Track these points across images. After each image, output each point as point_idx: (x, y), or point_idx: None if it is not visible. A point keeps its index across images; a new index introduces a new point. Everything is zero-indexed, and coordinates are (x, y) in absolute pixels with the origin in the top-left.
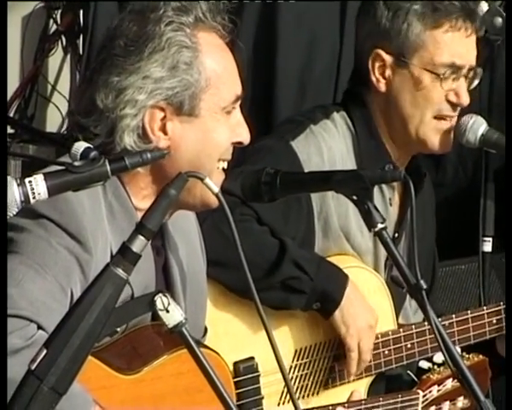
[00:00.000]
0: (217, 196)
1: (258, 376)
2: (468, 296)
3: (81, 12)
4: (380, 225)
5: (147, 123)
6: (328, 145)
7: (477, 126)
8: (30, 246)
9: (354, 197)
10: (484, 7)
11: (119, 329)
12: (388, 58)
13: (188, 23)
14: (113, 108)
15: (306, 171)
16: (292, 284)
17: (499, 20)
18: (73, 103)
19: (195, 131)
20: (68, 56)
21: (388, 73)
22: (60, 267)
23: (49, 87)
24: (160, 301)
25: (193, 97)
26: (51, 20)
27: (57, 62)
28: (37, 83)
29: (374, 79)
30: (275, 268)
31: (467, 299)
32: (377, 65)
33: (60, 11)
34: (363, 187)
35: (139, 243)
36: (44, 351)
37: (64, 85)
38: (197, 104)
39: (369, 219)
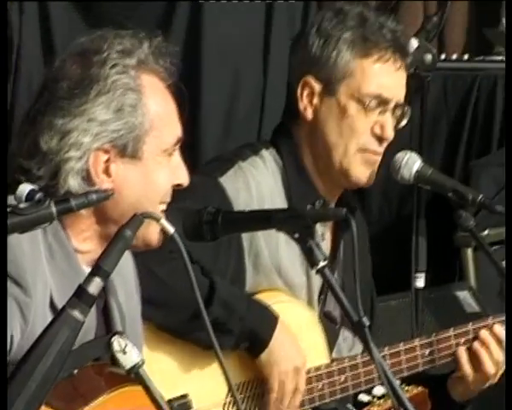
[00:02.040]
0: (172, 236)
1: None
2: (398, 333)
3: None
4: (322, 263)
5: (91, 165)
6: (256, 181)
7: (412, 163)
8: None
9: (296, 235)
10: (414, 44)
11: (75, 371)
12: (317, 86)
13: (131, 65)
14: (58, 151)
15: (235, 206)
16: (221, 325)
17: (429, 57)
18: (15, 145)
19: (138, 173)
20: None
21: (316, 101)
22: None
23: None
24: (117, 342)
25: (137, 140)
26: None
27: None
28: None
29: (301, 106)
30: (206, 307)
31: (397, 335)
32: (305, 93)
33: None
34: (305, 225)
35: (95, 285)
36: None
37: None
38: (140, 147)
39: (310, 257)
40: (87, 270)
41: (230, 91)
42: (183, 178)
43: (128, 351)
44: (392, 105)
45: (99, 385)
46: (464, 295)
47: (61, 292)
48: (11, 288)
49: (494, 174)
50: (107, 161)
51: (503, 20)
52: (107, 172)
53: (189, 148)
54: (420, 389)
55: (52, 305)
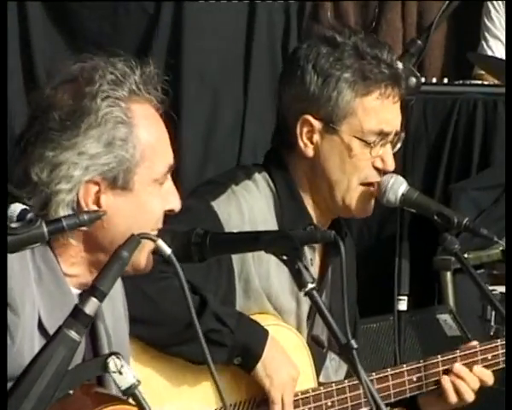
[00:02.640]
0: (169, 257)
1: None
2: (379, 355)
3: None
4: (310, 285)
5: (81, 197)
6: (249, 205)
7: (397, 186)
8: None
9: (284, 257)
10: (399, 67)
11: (71, 392)
12: (317, 124)
13: (122, 97)
14: (48, 183)
15: (227, 230)
16: (212, 336)
17: (413, 80)
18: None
19: (129, 204)
20: None
21: (316, 138)
22: None
23: None
24: (113, 363)
25: (127, 172)
26: None
27: None
28: None
29: (301, 143)
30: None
31: (378, 358)
32: (305, 130)
33: None
34: (293, 247)
35: (91, 306)
36: None
37: None
38: (131, 178)
39: (299, 279)
40: (76, 292)
41: (210, 113)
42: (175, 203)
43: (124, 372)
44: (391, 136)
45: (85, 404)
46: (445, 318)
47: (49, 313)
48: None
49: (473, 197)
50: (98, 192)
51: (483, 43)
52: (97, 203)
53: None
54: None
55: (40, 325)
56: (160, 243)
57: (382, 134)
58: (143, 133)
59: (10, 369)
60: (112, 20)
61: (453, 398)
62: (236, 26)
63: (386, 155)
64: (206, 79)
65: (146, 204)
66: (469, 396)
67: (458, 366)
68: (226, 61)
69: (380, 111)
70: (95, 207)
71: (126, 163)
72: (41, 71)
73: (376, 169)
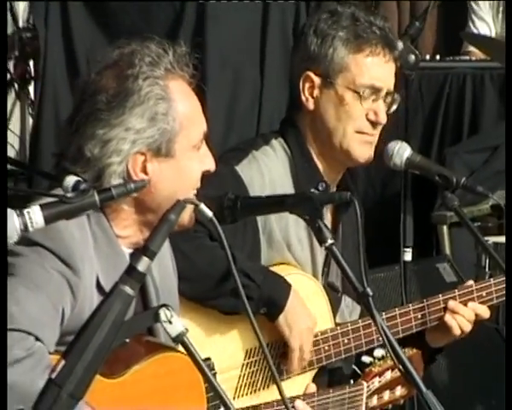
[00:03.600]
0: (211, 220)
1: (215, 374)
2: (387, 300)
3: (31, 62)
4: (329, 241)
5: (130, 167)
6: (268, 168)
7: (402, 151)
8: (26, 269)
9: (306, 217)
10: (400, 45)
11: (128, 340)
12: (317, 79)
13: (160, 76)
14: (101, 157)
15: (250, 190)
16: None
17: (412, 57)
18: (58, 151)
19: (172, 169)
20: (18, 101)
21: (316, 92)
22: (52, 288)
23: None
24: (164, 313)
25: (169, 141)
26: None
27: (8, 106)
28: None
29: (304, 98)
30: (226, 277)
31: (386, 303)
32: (307, 85)
33: (12, 62)
34: (314, 208)
35: (144, 263)
36: (63, 362)
37: (16, 125)
38: (172, 146)
39: (319, 235)
40: (127, 252)
41: (231, 90)
42: (211, 164)
43: (173, 321)
44: (383, 93)
45: (137, 352)
46: (444, 267)
47: (105, 273)
48: (63, 269)
49: (465, 160)
50: (144, 161)
51: (470, 24)
52: (144, 171)
53: None
54: (414, 350)
55: (98, 285)
56: (203, 207)
57: (374, 89)
58: (180, 106)
59: (72, 324)
60: (143, 15)
61: (457, 331)
62: (252, 11)
63: (379, 108)
64: (227, 63)
65: (186, 167)
66: (466, 327)
67: (452, 303)
68: (244, 45)
69: (371, 67)
70: (143, 175)
71: (168, 134)
72: (82, 60)
73: (370, 121)
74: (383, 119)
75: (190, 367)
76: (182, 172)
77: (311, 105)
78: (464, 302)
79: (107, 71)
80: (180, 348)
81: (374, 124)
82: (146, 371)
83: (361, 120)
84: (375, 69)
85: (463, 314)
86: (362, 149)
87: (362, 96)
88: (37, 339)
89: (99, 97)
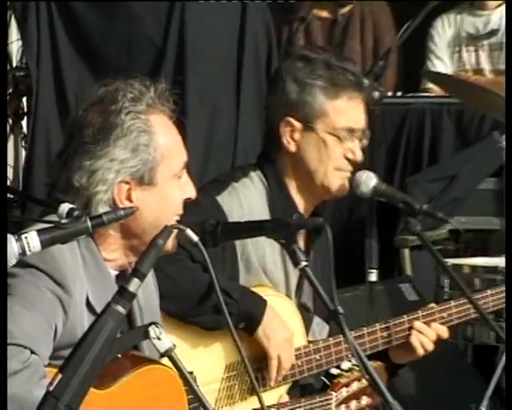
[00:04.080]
0: (196, 243)
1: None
2: (353, 318)
3: (24, 99)
4: (303, 263)
5: (116, 195)
6: (247, 199)
7: (369, 180)
8: (22, 290)
9: (282, 241)
10: (365, 83)
11: (119, 355)
12: (297, 124)
13: (142, 110)
14: (88, 187)
15: (229, 220)
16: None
17: (377, 94)
18: (50, 182)
19: (154, 196)
20: (12, 135)
21: (297, 136)
22: (46, 306)
23: None
24: (153, 330)
25: (151, 170)
26: None
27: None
28: None
29: (285, 141)
30: (207, 296)
31: (351, 320)
32: (288, 130)
33: (7, 98)
34: (290, 232)
35: (134, 284)
36: (60, 375)
37: (10, 157)
38: (154, 175)
39: (294, 258)
40: (114, 273)
41: (209, 124)
42: (192, 192)
43: (162, 338)
44: (358, 133)
45: (124, 366)
46: (406, 287)
47: (94, 293)
48: (55, 289)
49: (424, 188)
50: (129, 189)
51: (428, 62)
52: (129, 198)
53: None
54: (379, 363)
55: (88, 303)
56: (189, 231)
57: (351, 130)
58: (161, 138)
59: (65, 339)
60: (127, 55)
61: (420, 351)
62: (228, 51)
63: (355, 148)
64: (205, 98)
65: (168, 195)
66: (429, 346)
67: (418, 324)
68: (221, 83)
69: (347, 111)
70: (128, 203)
71: (149, 164)
72: (71, 97)
73: (347, 159)
74: (360, 156)
75: (173, 379)
76: (164, 200)
77: (292, 148)
78: (427, 323)
79: (94, 107)
80: (163, 361)
81: (351, 162)
82: (132, 382)
83: (340, 159)
84: (351, 112)
85: (427, 335)
86: (340, 185)
87: (341, 138)
88: (33, 352)
89: (86, 131)
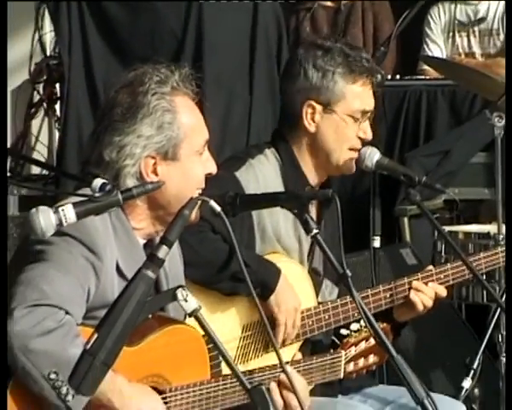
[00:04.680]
0: (219, 214)
1: None
2: (358, 280)
3: (57, 85)
4: (315, 230)
5: (142, 169)
6: (262, 174)
7: (373, 155)
8: (57, 255)
9: (295, 211)
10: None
11: (150, 316)
12: (318, 107)
13: (167, 92)
14: (117, 161)
15: (247, 193)
16: (239, 275)
17: (380, 77)
18: (84, 157)
19: (178, 171)
20: (46, 118)
21: (317, 118)
22: (79, 270)
23: (34, 140)
24: (181, 293)
25: (175, 147)
26: (35, 92)
27: (38, 122)
28: (26, 137)
29: (306, 122)
30: (226, 265)
31: (356, 284)
32: (309, 111)
33: (42, 85)
34: (302, 203)
35: (163, 251)
36: (95, 335)
37: (44, 138)
38: (178, 151)
39: (306, 226)
40: (142, 242)
41: (225, 108)
42: (213, 168)
43: (189, 299)
44: (369, 114)
45: (151, 325)
46: (406, 252)
47: (123, 259)
48: (88, 255)
49: (421, 162)
50: (155, 164)
51: (425, 47)
52: (155, 172)
53: None
54: (384, 324)
55: (118, 269)
56: (212, 202)
57: (364, 112)
58: (184, 117)
59: (97, 300)
60: (150, 44)
61: (420, 306)
62: (242, 42)
63: (367, 128)
64: (221, 84)
65: (191, 170)
66: (428, 303)
67: (416, 283)
68: (236, 69)
69: (362, 95)
70: (153, 176)
71: (173, 140)
72: (100, 83)
73: (360, 138)
74: (370, 136)
75: (196, 338)
76: (187, 174)
77: (312, 129)
78: (425, 283)
79: (123, 89)
80: (187, 322)
81: (362, 140)
82: (158, 340)
83: (354, 139)
84: (365, 96)
85: (425, 292)
86: (351, 164)
87: (356, 120)
88: (67, 313)
89: (115, 110)
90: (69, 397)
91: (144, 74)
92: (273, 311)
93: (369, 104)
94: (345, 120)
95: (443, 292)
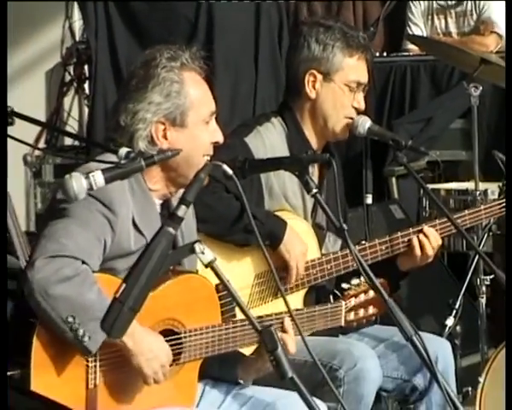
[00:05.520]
0: (231, 176)
1: None
2: (353, 233)
3: (86, 67)
4: (314, 190)
5: (153, 133)
6: (269, 140)
7: (364, 123)
8: (77, 212)
9: (297, 173)
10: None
11: (171, 267)
12: (319, 75)
13: (176, 66)
14: (131, 125)
15: (256, 157)
16: (249, 227)
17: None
18: (106, 124)
19: (186, 137)
20: (76, 96)
21: (318, 85)
22: (97, 225)
23: (66, 115)
24: (198, 247)
25: (182, 114)
26: (66, 73)
27: (70, 99)
28: (59, 113)
29: (307, 89)
30: (239, 219)
31: (352, 234)
32: (311, 79)
33: (72, 66)
34: (303, 166)
35: (182, 210)
36: (124, 285)
37: (75, 114)
38: (185, 119)
39: (307, 186)
40: (158, 202)
41: (233, 84)
42: (219, 137)
43: (206, 252)
44: (363, 86)
45: (167, 273)
46: (395, 208)
47: (140, 215)
48: (104, 211)
49: (407, 128)
50: (164, 129)
51: (407, 28)
52: (165, 136)
53: None
54: (382, 280)
55: (134, 223)
56: (225, 167)
57: (359, 83)
58: (191, 89)
59: (113, 251)
60: (167, 27)
61: (418, 252)
62: (247, 25)
63: (361, 99)
64: (229, 63)
65: (198, 137)
66: (430, 251)
67: (428, 229)
68: (243, 50)
69: (358, 68)
70: (163, 140)
71: (181, 108)
72: (123, 63)
73: (354, 108)
74: (363, 106)
75: (207, 286)
76: (194, 140)
77: (313, 95)
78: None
79: (140, 64)
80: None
81: (356, 110)
82: (174, 287)
83: (349, 107)
84: (360, 69)
85: (431, 239)
86: (346, 130)
87: (353, 89)
88: (84, 262)
89: (132, 82)
90: (86, 339)
91: (157, 52)
92: (284, 257)
93: (364, 77)
94: (342, 89)
95: (439, 241)
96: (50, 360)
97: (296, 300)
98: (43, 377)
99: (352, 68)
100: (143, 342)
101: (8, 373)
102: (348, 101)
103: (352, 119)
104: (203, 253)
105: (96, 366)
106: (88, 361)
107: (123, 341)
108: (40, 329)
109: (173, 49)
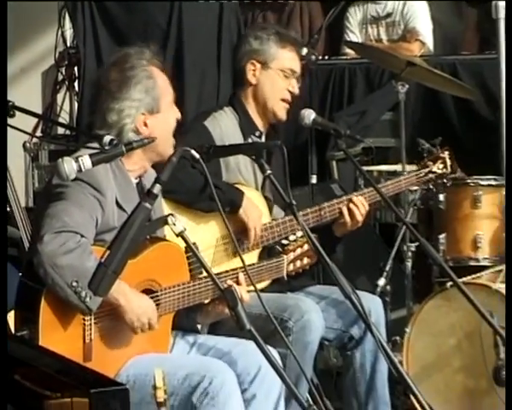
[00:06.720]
0: (198, 160)
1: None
2: (300, 208)
3: (76, 68)
4: (268, 171)
5: (137, 123)
6: (223, 123)
7: (310, 115)
8: (73, 195)
9: (253, 157)
10: (305, 50)
11: (148, 237)
12: (258, 64)
13: (145, 64)
14: (119, 121)
15: (213, 136)
16: (213, 197)
17: (313, 57)
18: (88, 120)
19: (160, 119)
20: (68, 92)
21: (258, 73)
22: (90, 205)
23: (59, 109)
24: (170, 219)
25: (157, 103)
26: (59, 74)
27: (62, 96)
28: (53, 107)
29: (249, 76)
30: (203, 189)
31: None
32: (252, 68)
33: (64, 68)
34: (258, 152)
35: (157, 188)
36: (108, 251)
37: (67, 108)
38: (160, 105)
39: (262, 168)
40: (133, 181)
41: (199, 82)
42: (178, 114)
43: (177, 224)
44: (296, 74)
45: (145, 243)
46: (335, 186)
47: (121, 195)
48: (95, 193)
49: (345, 120)
50: (145, 119)
51: (345, 35)
52: (145, 124)
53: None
54: (315, 235)
55: (117, 203)
56: (193, 152)
57: (292, 71)
58: (159, 80)
59: (102, 227)
60: (143, 34)
61: (348, 218)
62: (211, 33)
63: (294, 84)
64: (197, 65)
65: (168, 117)
66: (360, 217)
67: (357, 198)
68: (207, 54)
69: (290, 58)
70: (144, 127)
71: (156, 98)
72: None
73: (289, 92)
74: (297, 90)
75: (178, 251)
76: (166, 121)
77: (254, 81)
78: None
79: (113, 67)
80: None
81: (291, 94)
82: (151, 254)
83: (285, 91)
84: (292, 59)
85: (359, 207)
86: (283, 112)
87: (286, 75)
88: (83, 236)
89: (111, 85)
90: (87, 299)
91: (125, 55)
92: (244, 220)
93: (296, 66)
94: (278, 74)
95: (366, 207)
96: (55, 320)
97: (251, 258)
98: (49, 335)
99: (286, 57)
100: (133, 300)
101: (19, 333)
102: (284, 85)
103: (287, 101)
104: (174, 224)
105: (91, 324)
106: (85, 320)
107: (117, 299)
108: (47, 294)
109: (137, 50)
